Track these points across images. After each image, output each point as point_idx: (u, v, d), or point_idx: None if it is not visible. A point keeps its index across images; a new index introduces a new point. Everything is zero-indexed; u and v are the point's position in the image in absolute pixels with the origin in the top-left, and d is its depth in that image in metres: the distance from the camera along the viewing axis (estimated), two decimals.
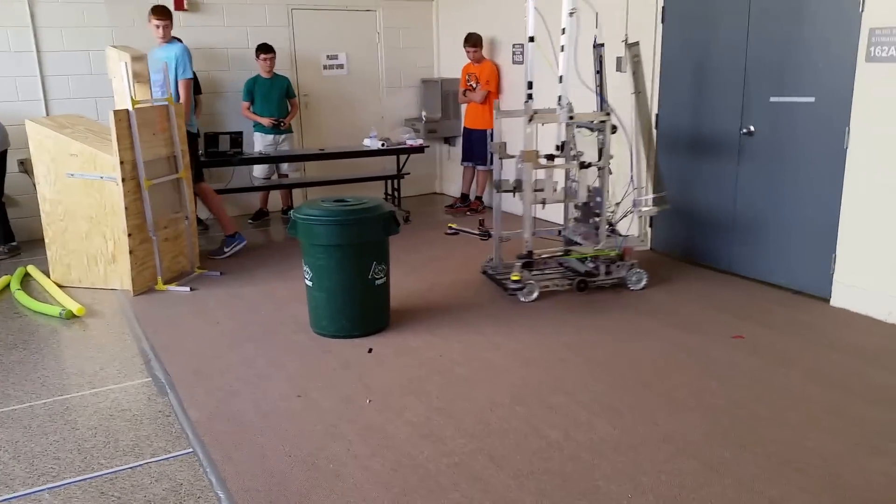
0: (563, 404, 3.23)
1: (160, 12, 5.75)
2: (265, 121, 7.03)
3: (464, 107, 7.80)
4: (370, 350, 3.88)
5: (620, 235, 4.87)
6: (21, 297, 4.85)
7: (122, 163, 4.74)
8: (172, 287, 5.08)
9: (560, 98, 4.60)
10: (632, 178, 4.84)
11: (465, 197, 7.74)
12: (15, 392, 3.51)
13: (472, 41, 7.20)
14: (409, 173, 7.50)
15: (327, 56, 7.94)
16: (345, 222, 3.89)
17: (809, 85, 4.48)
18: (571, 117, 4.64)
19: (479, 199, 7.70)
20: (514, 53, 7.22)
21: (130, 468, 2.81)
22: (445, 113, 8.11)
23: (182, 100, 5.76)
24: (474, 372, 3.60)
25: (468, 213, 7.56)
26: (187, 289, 5.03)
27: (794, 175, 4.66)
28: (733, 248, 5.15)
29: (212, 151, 6.47)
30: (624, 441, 2.90)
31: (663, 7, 5.41)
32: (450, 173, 8.67)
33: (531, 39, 4.61)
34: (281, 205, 7.63)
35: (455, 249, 6.06)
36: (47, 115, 6.52)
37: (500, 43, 7.41)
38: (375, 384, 3.48)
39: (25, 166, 6.42)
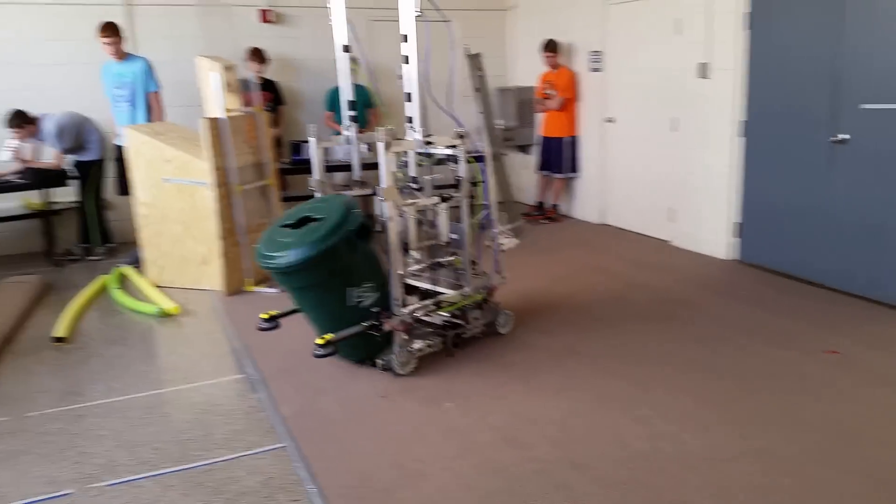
0: (648, 416, 3.18)
1: (106, 30, 5.81)
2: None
3: (540, 115, 7.78)
4: (452, 354, 3.92)
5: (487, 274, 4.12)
6: (119, 295, 5.10)
7: (214, 169, 4.94)
8: (261, 289, 5.26)
9: (410, 119, 3.86)
10: (486, 206, 4.16)
11: (540, 205, 7.72)
12: (116, 385, 3.70)
13: (550, 47, 7.20)
14: (484, 181, 7.52)
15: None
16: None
17: None
18: (429, 142, 3.91)
19: (555, 207, 7.67)
20: (591, 61, 7.17)
21: (225, 461, 2.92)
22: (521, 121, 8.11)
23: (154, 112, 6.00)
24: (556, 379, 3.58)
25: (543, 221, 7.53)
26: (275, 290, 5.18)
27: (894, 185, 4.46)
28: (827, 260, 4.95)
29: (296, 159, 6.67)
30: (714, 455, 2.84)
31: (750, 13, 5.28)
32: (523, 181, 8.64)
33: (346, 49, 4.06)
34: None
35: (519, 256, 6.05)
36: None
37: (578, 50, 7.37)
38: (456, 388, 3.51)
39: None
